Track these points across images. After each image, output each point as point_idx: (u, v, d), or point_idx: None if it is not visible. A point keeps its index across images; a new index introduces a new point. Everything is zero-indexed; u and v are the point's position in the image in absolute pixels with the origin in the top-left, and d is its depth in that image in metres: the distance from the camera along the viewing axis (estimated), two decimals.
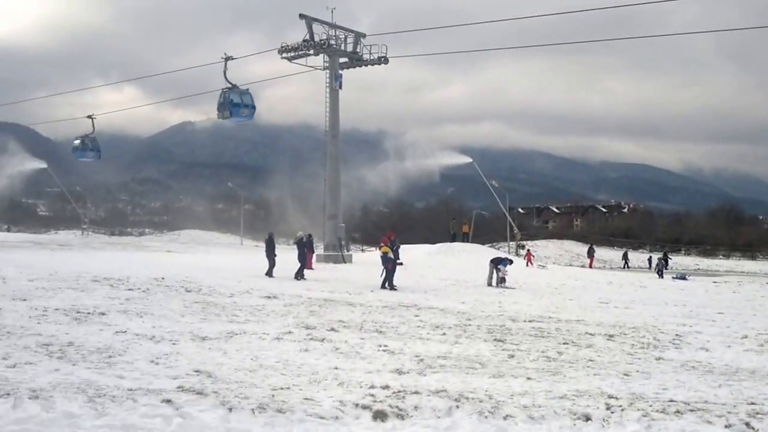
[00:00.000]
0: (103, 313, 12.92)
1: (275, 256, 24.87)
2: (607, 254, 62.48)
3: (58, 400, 6.63)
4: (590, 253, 52.50)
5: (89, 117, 61.17)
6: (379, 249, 22.31)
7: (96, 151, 62.21)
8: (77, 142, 62.41)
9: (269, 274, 24.25)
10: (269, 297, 17.30)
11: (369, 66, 40.20)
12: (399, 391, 7.83)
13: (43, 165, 74.08)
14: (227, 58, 37.98)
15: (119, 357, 8.94)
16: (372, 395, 7.61)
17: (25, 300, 14.36)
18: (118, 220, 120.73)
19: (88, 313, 12.83)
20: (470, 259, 37.60)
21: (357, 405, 7.16)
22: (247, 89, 38.15)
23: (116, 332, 10.91)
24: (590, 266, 49.74)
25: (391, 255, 21.66)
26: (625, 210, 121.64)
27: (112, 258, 35.24)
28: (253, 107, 37.90)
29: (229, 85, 37.40)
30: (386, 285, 20.97)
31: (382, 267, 21.45)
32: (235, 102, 36.89)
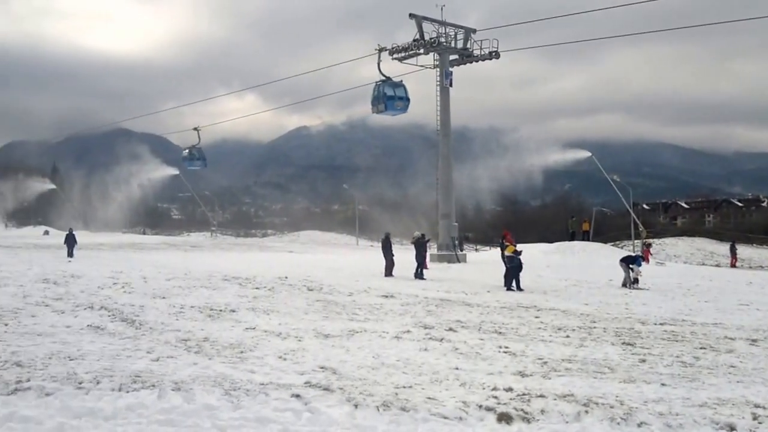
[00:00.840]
0: (233, 311, 13.58)
1: (392, 255, 25.08)
2: (745, 252, 58.36)
3: (198, 392, 7.04)
4: (732, 251, 49.26)
5: (195, 129, 65.80)
6: (504, 249, 21.89)
7: (202, 159, 67.63)
8: (186, 152, 67.80)
9: (387, 273, 24.51)
10: (386, 296, 17.52)
11: (479, 62, 39.77)
12: (523, 394, 7.72)
13: (175, 172, 79.09)
14: (380, 50, 37.72)
15: (250, 352, 9.37)
16: (495, 397, 7.55)
17: (164, 298, 15.35)
18: (242, 221, 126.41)
19: (220, 311, 13.53)
20: (591, 258, 36.37)
21: (480, 406, 7.13)
22: (401, 81, 37.75)
23: (246, 329, 11.44)
24: (733, 265, 46.73)
25: (519, 255, 21.21)
26: (765, 204, 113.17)
27: (239, 258, 36.91)
28: (408, 99, 37.42)
29: (383, 78, 37.24)
30: (512, 286, 20.60)
31: (506, 267, 21.06)
32: (389, 95, 36.69)
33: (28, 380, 7.17)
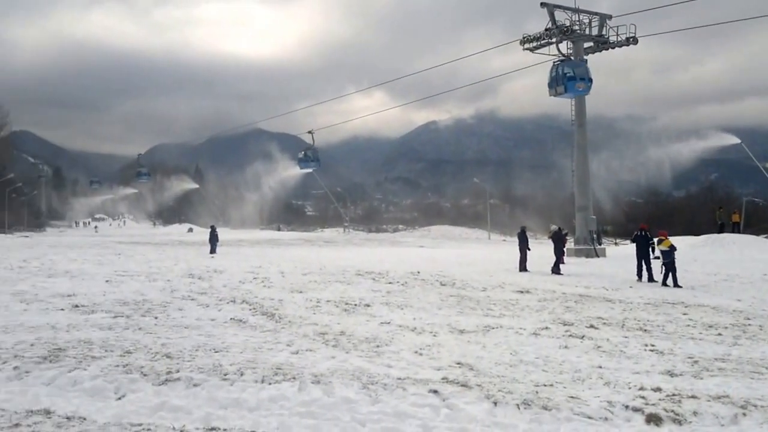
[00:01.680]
0: (368, 305, 13.77)
1: (528, 249, 24.57)
2: None
3: (337, 385, 7.15)
4: None
5: (309, 132, 69.29)
6: (659, 244, 20.70)
7: (316, 161, 71.57)
8: (301, 154, 72.08)
9: (521, 268, 24.03)
10: (522, 292, 17.12)
11: (615, 48, 37.97)
12: (673, 395, 7.24)
13: (308, 169, 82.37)
14: (557, 27, 35.63)
15: (386, 347, 9.42)
16: (643, 397, 7.13)
17: (301, 292, 15.85)
18: (374, 217, 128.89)
19: (355, 305, 13.76)
20: (743, 252, 33.78)
21: (627, 407, 6.76)
22: (584, 60, 36.11)
23: (381, 323, 11.54)
24: None
25: (675, 250, 20.03)
26: None
27: (371, 253, 37.57)
28: (590, 80, 35.34)
29: (562, 57, 35.85)
30: (666, 281, 19.51)
31: (662, 263, 19.95)
32: (569, 75, 34.86)
33: (177, 371, 7.57)
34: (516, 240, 25.82)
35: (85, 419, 6.09)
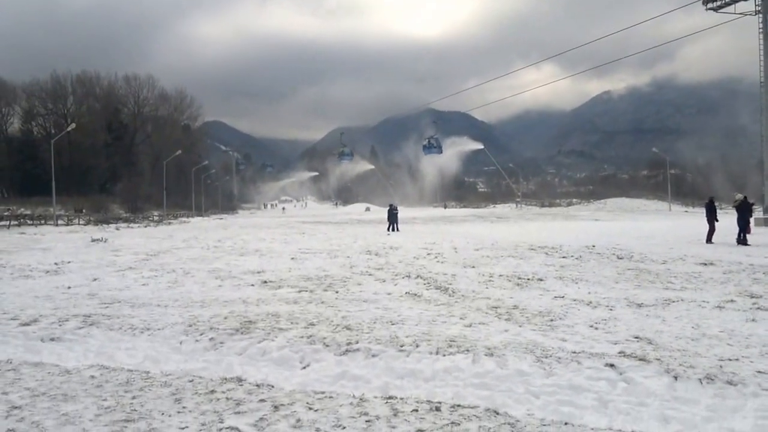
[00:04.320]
0: (540, 279, 13.65)
1: (716, 221, 23.10)
2: None
3: (510, 358, 7.25)
4: None
5: (434, 122, 79.05)
6: None
7: (438, 148, 77.22)
8: (425, 142, 77.65)
9: (708, 239, 22.59)
10: (705, 264, 16.08)
11: None
12: None
13: (480, 146, 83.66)
14: None
15: (560, 321, 9.35)
16: None
17: (473, 267, 16.04)
18: (547, 191, 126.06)
19: (528, 279, 13.70)
20: None
21: None
22: None
23: (554, 297, 11.42)
24: None
25: None
26: None
27: (544, 227, 36.91)
28: None
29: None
30: None
31: None
32: None
33: (357, 342, 8.03)
34: (703, 211, 24.31)
35: (273, 386, 6.64)
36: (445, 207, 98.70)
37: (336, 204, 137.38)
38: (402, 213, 51.13)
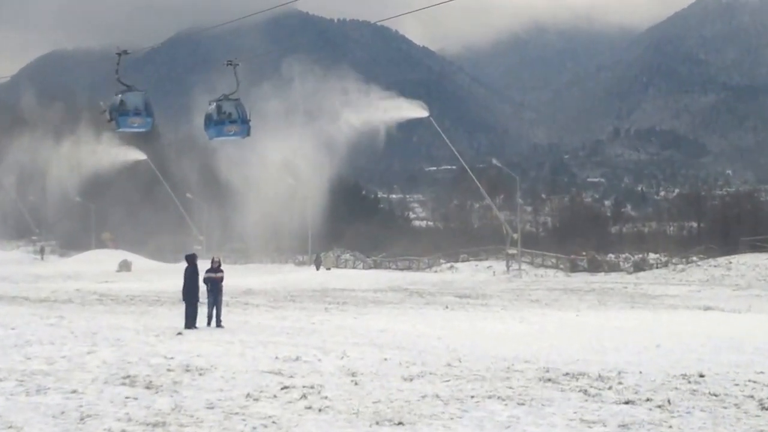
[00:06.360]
0: None
1: None
2: None
3: None
4: None
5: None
6: None
7: (242, 123, 60.18)
8: (211, 108, 57.31)
9: None
10: None
11: None
12: None
13: (422, 113, 59.40)
14: None
15: None
16: None
17: None
18: (583, 228, 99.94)
19: None
20: None
21: None
22: None
23: None
24: None
25: None
26: None
27: (577, 324, 19.67)
28: None
29: None
30: None
31: None
32: None
33: None
34: None
35: None
36: (320, 266, 48.24)
37: (41, 253, 66.42)
38: (231, 277, 22.22)
